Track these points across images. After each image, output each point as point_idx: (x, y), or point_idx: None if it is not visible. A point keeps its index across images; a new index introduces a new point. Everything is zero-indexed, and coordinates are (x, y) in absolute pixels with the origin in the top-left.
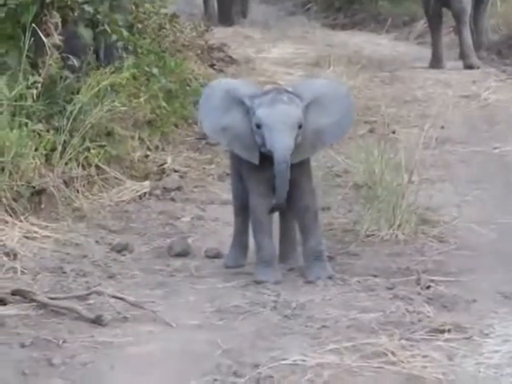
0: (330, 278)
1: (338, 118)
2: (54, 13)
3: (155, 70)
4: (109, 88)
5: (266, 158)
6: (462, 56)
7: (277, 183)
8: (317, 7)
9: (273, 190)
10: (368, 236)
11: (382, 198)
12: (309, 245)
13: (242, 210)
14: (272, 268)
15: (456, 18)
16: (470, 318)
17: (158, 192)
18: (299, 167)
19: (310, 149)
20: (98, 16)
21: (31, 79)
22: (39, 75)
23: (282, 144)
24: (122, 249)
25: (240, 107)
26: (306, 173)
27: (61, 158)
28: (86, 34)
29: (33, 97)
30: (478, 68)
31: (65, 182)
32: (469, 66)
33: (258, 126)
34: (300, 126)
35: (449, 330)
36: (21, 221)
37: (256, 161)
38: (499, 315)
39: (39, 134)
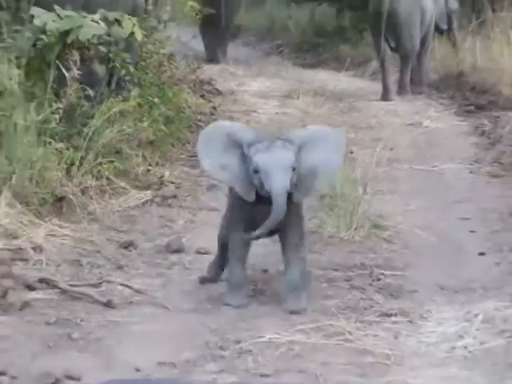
0: (302, 311)
1: (328, 154)
2: (74, 52)
3: (156, 100)
4: (118, 114)
5: (262, 198)
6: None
7: (272, 213)
8: (289, 49)
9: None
10: (330, 237)
11: (342, 206)
12: (287, 276)
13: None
14: (239, 293)
15: (402, 61)
16: (412, 304)
17: (157, 200)
18: (294, 207)
19: (307, 187)
20: (110, 55)
21: (54, 106)
22: (61, 103)
23: (279, 183)
24: (128, 245)
25: (238, 151)
26: (299, 211)
27: (78, 170)
28: (99, 69)
29: (56, 120)
30: (392, 100)
31: (81, 191)
32: (385, 98)
33: (256, 171)
34: (294, 169)
35: (395, 314)
36: (46, 222)
37: (252, 198)
38: (436, 303)
39: (61, 151)
